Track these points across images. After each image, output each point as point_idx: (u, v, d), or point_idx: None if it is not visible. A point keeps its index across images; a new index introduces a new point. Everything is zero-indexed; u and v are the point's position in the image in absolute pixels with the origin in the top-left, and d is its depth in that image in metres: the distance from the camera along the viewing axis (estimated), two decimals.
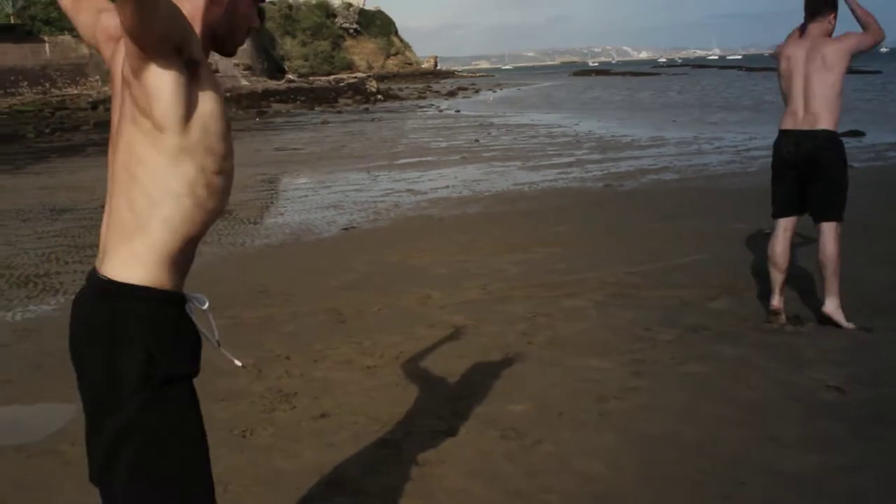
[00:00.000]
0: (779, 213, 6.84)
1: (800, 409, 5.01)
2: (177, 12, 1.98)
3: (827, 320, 6.49)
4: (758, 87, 58.96)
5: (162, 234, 2.13)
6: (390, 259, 9.29)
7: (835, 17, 6.57)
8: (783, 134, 6.67)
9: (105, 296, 2.15)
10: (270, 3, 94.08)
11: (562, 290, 7.72)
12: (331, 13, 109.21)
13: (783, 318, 6.64)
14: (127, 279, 2.13)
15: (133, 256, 2.13)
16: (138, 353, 2.10)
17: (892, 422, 4.77)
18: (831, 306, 6.50)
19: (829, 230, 6.52)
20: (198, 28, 2.17)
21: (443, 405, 5.14)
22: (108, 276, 2.14)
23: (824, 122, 6.45)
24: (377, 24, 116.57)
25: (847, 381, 5.39)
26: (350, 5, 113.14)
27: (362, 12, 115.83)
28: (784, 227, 6.79)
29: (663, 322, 6.71)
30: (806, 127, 6.50)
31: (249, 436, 4.84)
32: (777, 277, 6.69)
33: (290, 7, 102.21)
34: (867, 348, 6.01)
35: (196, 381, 2.29)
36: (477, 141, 24.27)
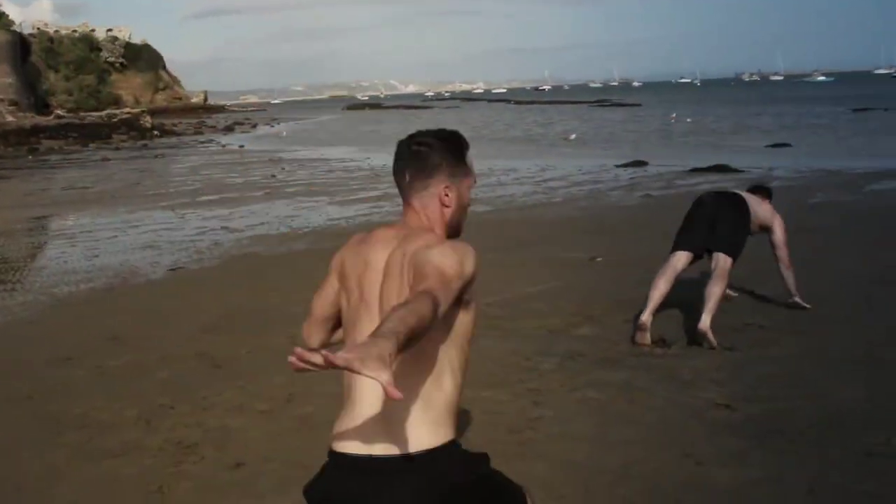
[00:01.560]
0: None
1: (702, 428, 5.23)
2: (459, 285, 2.40)
3: (701, 337, 6.81)
4: (526, 118, 61.19)
5: (452, 397, 2.52)
6: (238, 300, 9.05)
7: None
8: None
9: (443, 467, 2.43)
10: (31, 35, 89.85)
11: None
12: (95, 46, 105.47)
13: (648, 336, 6.93)
14: (443, 440, 2.44)
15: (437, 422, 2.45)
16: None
17: (790, 434, 5.05)
18: (706, 325, 6.83)
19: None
20: (442, 230, 2.64)
21: None
22: (425, 448, 2.40)
23: None
24: (144, 58, 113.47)
25: (732, 398, 5.67)
26: (115, 38, 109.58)
27: (128, 46, 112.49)
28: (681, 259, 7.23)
29: (540, 352, 6.84)
30: None
31: (167, 491, 4.59)
32: (655, 296, 7.01)
33: (51, 40, 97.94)
34: (738, 366, 6.34)
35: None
36: (274, 176, 24.00)
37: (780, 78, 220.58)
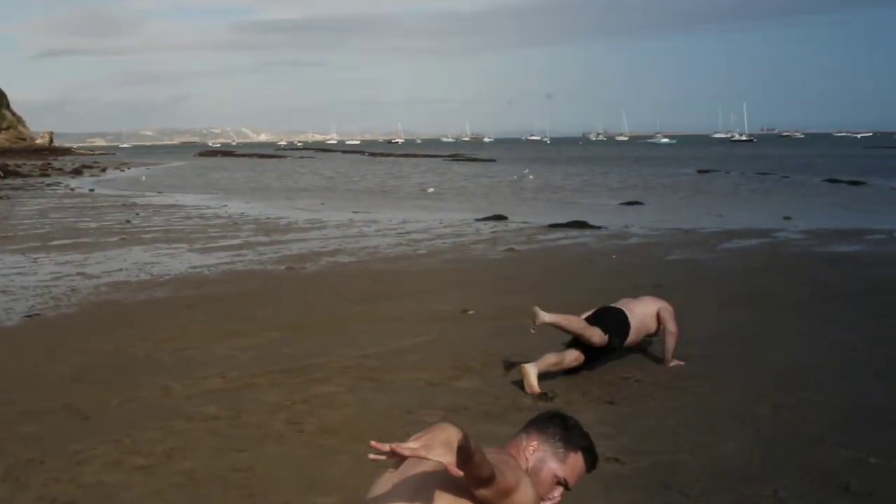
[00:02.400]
0: None
1: (595, 482, 5.22)
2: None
3: None
4: (380, 170, 61.44)
5: None
6: (105, 348, 8.69)
7: None
8: None
9: None
10: None
11: (305, 375, 7.60)
12: None
13: (536, 387, 7.03)
14: None
15: None
16: None
17: (679, 487, 5.15)
18: None
19: None
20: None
21: (249, 503, 4.88)
22: None
23: None
24: None
25: (620, 451, 5.74)
26: None
27: None
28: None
29: (422, 404, 6.80)
30: None
31: None
32: (551, 359, 7.17)
33: None
34: (621, 420, 6.43)
35: None
36: (129, 222, 23.32)
37: (626, 138, 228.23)
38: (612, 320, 7.81)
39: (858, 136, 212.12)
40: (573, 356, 7.62)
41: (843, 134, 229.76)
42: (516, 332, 9.03)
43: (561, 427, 3.07)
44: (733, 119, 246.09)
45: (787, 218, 22.90)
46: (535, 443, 3.04)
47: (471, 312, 10.42)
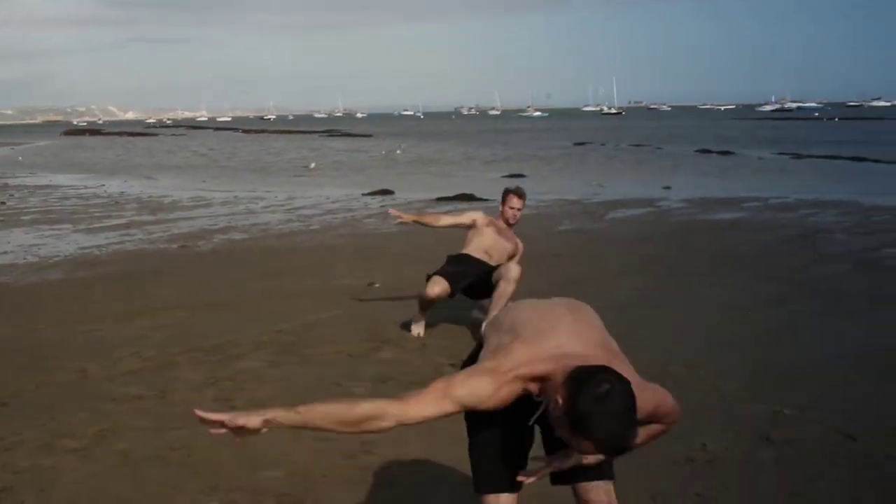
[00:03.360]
0: None
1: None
2: None
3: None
4: (256, 147, 60.57)
5: None
6: (6, 332, 8.43)
7: None
8: None
9: None
10: None
11: (223, 352, 7.53)
12: None
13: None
14: None
15: None
16: None
17: None
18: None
19: None
20: None
21: (195, 482, 4.85)
22: None
23: None
24: None
25: None
26: None
27: None
28: None
29: (348, 376, 6.83)
30: None
31: None
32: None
33: None
34: None
35: None
36: (3, 203, 22.51)
37: (498, 113, 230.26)
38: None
39: (722, 108, 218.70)
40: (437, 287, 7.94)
41: (708, 107, 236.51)
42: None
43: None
44: (602, 93, 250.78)
45: (666, 187, 23.52)
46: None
47: (377, 285, 10.46)
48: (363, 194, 22.97)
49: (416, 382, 6.52)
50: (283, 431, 5.48)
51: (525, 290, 9.30)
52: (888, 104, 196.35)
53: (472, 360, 3.26)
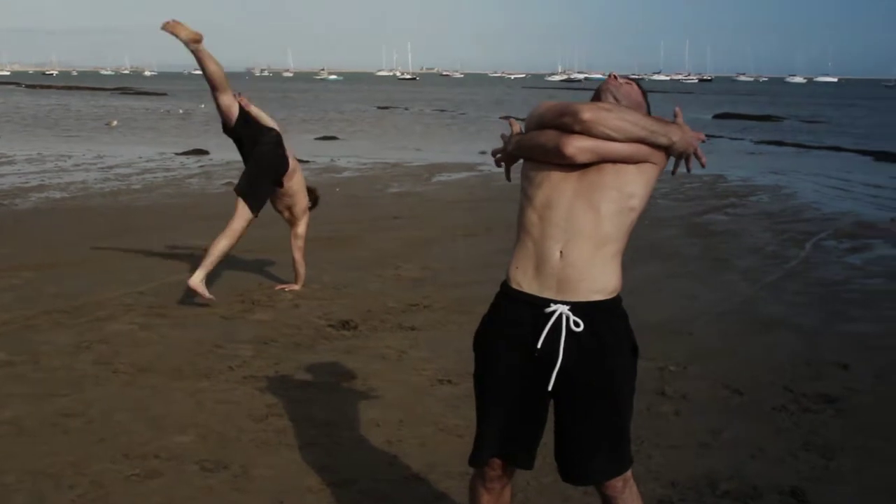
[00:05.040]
0: None
1: (440, 403, 5.43)
2: None
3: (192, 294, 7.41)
4: (43, 102, 57.38)
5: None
6: None
7: None
8: None
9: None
10: None
11: (88, 314, 7.18)
12: None
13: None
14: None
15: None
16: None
17: None
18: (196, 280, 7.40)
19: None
20: None
21: (104, 449, 4.62)
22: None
23: None
24: None
25: (447, 373, 5.92)
26: None
27: None
28: None
29: (227, 338, 6.66)
30: None
31: None
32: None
33: None
34: (430, 344, 6.63)
35: None
36: None
37: (291, 75, 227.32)
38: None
39: (513, 76, 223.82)
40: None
41: (500, 75, 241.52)
42: (282, 263, 9.00)
43: None
44: (396, 58, 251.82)
45: (482, 152, 23.85)
46: None
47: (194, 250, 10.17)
48: (176, 154, 22.23)
49: (299, 344, 6.48)
50: (177, 394, 5.31)
51: (370, 252, 9.31)
52: (666, 78, 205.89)
53: None
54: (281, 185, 7.86)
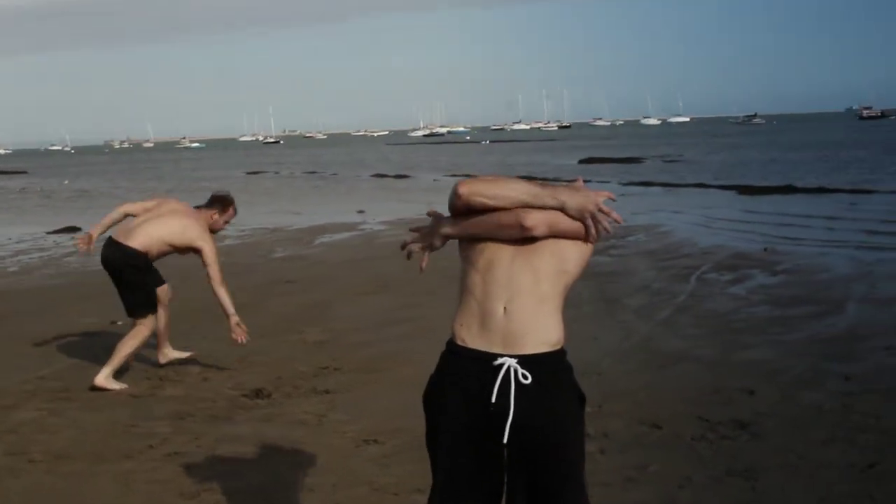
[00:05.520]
0: None
1: (368, 463, 5.45)
2: None
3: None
4: None
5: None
6: None
7: None
8: None
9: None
10: None
11: None
12: None
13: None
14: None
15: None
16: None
17: None
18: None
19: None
20: None
21: None
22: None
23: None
24: None
25: (371, 433, 5.95)
26: None
27: None
28: None
29: (142, 417, 6.55)
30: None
31: None
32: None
33: None
34: (347, 406, 6.64)
35: None
36: None
37: (152, 145, 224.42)
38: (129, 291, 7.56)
39: (376, 134, 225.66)
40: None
41: (362, 133, 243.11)
42: (177, 337, 8.90)
43: None
44: (258, 122, 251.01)
45: (360, 211, 23.97)
46: None
47: (119, 323, 9.96)
48: (47, 232, 21.61)
49: (216, 416, 6.41)
50: (102, 479, 5.20)
51: (270, 319, 9.24)
52: (527, 127, 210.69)
53: None
54: (182, 252, 7.71)
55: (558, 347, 3.09)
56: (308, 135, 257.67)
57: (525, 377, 2.99)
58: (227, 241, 18.35)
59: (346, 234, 18.85)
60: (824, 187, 25.05)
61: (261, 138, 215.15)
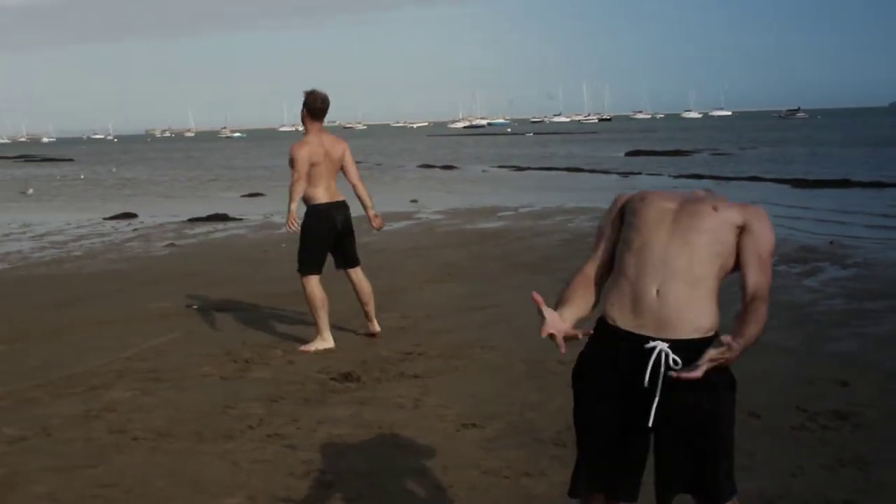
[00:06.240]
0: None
1: (473, 447, 5.45)
2: None
3: None
4: None
5: None
6: None
7: None
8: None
9: None
10: None
11: (82, 384, 7.02)
12: None
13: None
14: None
15: None
16: None
17: (548, 439, 5.44)
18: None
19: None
20: None
21: None
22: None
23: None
24: None
25: (469, 417, 5.96)
26: None
27: None
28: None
29: (236, 398, 6.57)
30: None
31: None
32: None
33: None
34: (443, 387, 6.65)
35: None
36: None
37: (192, 134, 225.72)
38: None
39: (415, 126, 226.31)
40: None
41: (402, 124, 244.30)
42: (256, 321, 9.03)
43: None
44: (297, 113, 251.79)
45: (413, 201, 23.97)
46: None
47: (195, 306, 10.06)
48: (105, 218, 21.82)
49: (308, 399, 6.44)
50: (207, 458, 5.23)
51: (342, 304, 9.27)
52: (567, 119, 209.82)
53: None
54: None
55: (711, 334, 3.05)
56: (348, 125, 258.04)
57: (675, 363, 2.98)
58: (284, 230, 18.38)
59: (403, 223, 18.84)
60: (881, 181, 24.73)
61: (300, 129, 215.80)
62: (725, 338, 2.80)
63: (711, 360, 2.81)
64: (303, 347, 7.92)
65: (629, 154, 47.20)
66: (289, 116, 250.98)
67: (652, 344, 3.02)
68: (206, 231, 18.59)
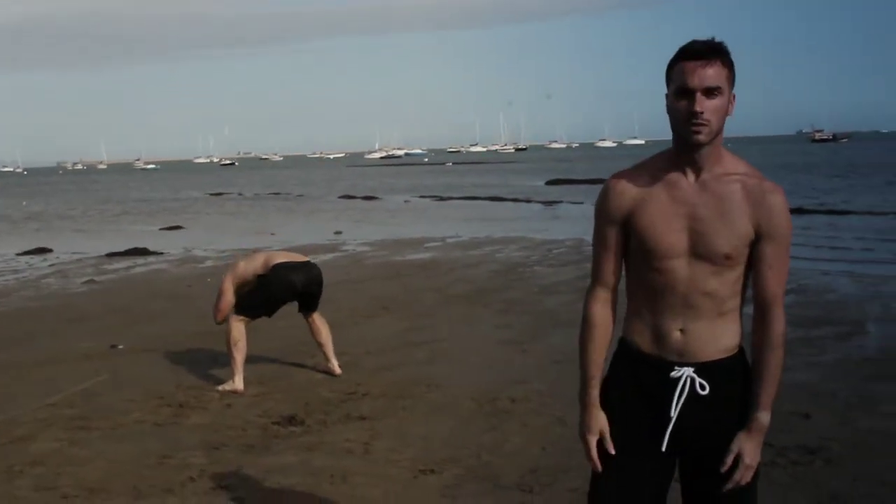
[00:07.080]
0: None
1: (428, 493, 5.15)
2: None
3: None
4: None
5: None
6: None
7: None
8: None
9: None
10: None
11: (4, 434, 6.53)
12: None
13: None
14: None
15: None
16: None
17: (512, 484, 5.17)
18: None
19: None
20: None
21: None
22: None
23: None
24: None
25: (426, 462, 5.65)
26: None
27: None
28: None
29: (172, 447, 6.17)
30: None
31: None
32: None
33: None
34: (389, 433, 6.33)
35: None
36: None
37: (105, 166, 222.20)
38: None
39: (332, 157, 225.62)
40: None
41: (318, 155, 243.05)
42: (188, 361, 8.64)
43: None
44: (213, 144, 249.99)
45: (337, 232, 23.63)
46: None
47: (120, 347, 9.58)
48: (17, 254, 21.02)
49: (252, 445, 6.09)
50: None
51: (278, 342, 8.90)
52: (484, 149, 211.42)
53: None
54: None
55: (736, 351, 2.93)
56: (264, 157, 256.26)
57: (702, 387, 2.88)
58: (208, 263, 17.98)
59: (329, 255, 18.46)
60: (802, 207, 25.10)
61: (216, 160, 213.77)
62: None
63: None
64: (219, 387, 7.63)
65: (549, 183, 47.44)
66: (203, 148, 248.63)
67: (678, 372, 2.89)
68: (126, 266, 17.97)
